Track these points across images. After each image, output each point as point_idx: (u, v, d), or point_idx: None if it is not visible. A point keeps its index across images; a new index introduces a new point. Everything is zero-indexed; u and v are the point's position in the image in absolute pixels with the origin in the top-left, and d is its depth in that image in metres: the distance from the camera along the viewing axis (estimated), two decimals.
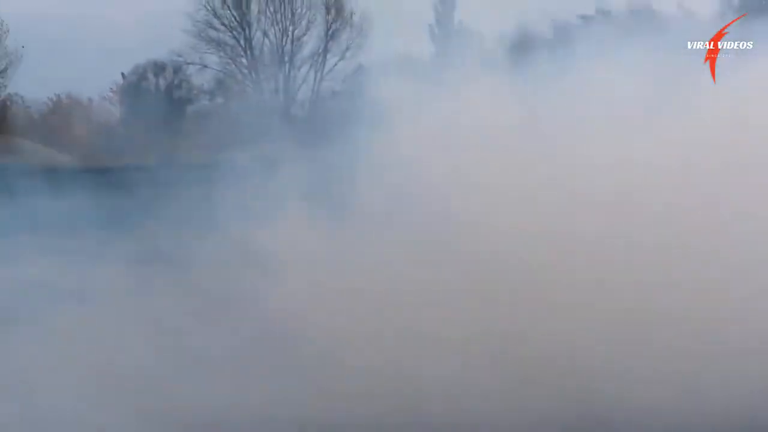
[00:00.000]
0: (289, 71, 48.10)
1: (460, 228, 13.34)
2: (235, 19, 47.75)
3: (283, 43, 48.11)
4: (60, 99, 53.88)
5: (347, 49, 48.10)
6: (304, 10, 48.32)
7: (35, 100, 52.84)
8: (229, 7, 47.61)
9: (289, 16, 48.14)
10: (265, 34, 48.17)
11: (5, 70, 46.06)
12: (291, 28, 48.18)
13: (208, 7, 47.40)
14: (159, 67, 49.52)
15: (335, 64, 48.27)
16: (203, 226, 19.43)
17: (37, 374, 11.97)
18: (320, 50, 48.47)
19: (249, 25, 47.87)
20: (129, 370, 12.07)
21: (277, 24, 48.11)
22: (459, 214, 13.60)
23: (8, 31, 45.60)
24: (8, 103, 49.07)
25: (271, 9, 48.08)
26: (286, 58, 48.14)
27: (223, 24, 47.70)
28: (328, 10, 48.45)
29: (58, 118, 53.16)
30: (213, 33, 47.72)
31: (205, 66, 47.99)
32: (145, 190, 22.49)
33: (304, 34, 48.36)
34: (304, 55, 48.43)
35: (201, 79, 48.25)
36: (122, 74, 51.57)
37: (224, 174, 19.23)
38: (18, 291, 17.42)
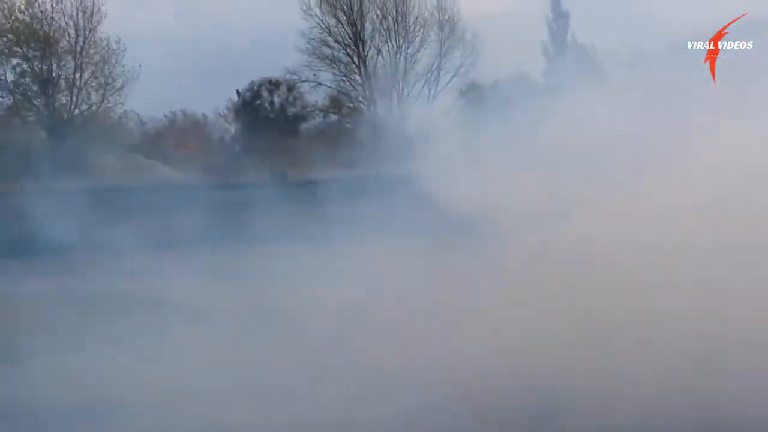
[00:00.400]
0: (403, 88, 48.16)
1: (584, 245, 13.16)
2: (349, 36, 47.89)
3: (397, 60, 48.15)
4: (175, 116, 54.57)
5: (460, 66, 48.00)
6: (417, 28, 48.35)
7: (151, 117, 53.58)
8: (343, 24, 47.75)
9: (403, 33, 48.15)
10: (378, 51, 48.27)
11: (122, 87, 46.69)
12: (405, 46, 48.21)
13: (323, 25, 47.62)
14: (273, 85, 49.86)
15: (449, 81, 48.23)
16: (317, 243, 19.39)
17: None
18: (434, 67, 48.44)
19: (363, 42, 47.97)
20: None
21: (391, 41, 48.16)
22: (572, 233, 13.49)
23: (125, 49, 46.23)
24: (125, 119, 49.77)
25: (385, 26, 48.13)
26: (400, 75, 48.17)
27: (337, 41, 47.89)
28: (441, 28, 48.37)
29: (174, 135, 53.80)
30: (327, 50, 47.96)
31: (319, 83, 48.27)
32: (260, 208, 22.54)
33: (418, 51, 48.39)
34: (417, 72, 48.47)
35: (315, 96, 48.54)
36: (237, 91, 52.09)
37: (337, 191, 19.18)
38: (143, 308, 17.55)
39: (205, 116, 54.13)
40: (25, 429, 10.87)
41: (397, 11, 48.16)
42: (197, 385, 11.66)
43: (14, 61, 46.32)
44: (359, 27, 47.97)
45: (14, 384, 12.61)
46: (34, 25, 45.69)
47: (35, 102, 46.97)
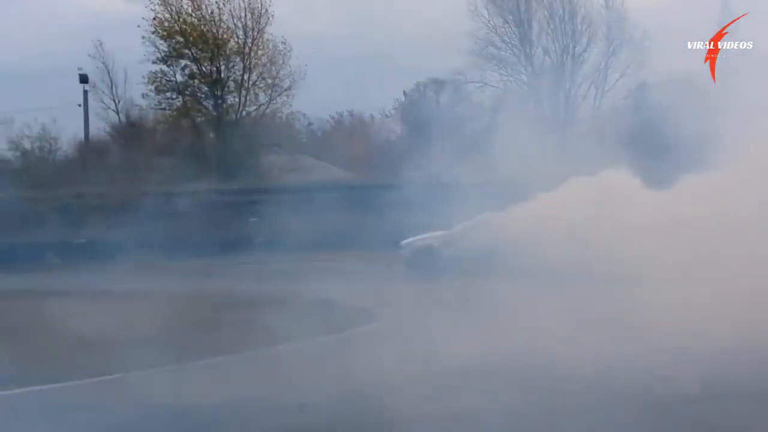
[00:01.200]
0: (569, 88, 47.50)
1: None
2: (516, 36, 47.48)
3: (564, 60, 47.54)
4: (342, 117, 54.99)
5: (628, 66, 47.09)
6: (584, 27, 47.68)
7: (318, 118, 54.10)
8: (510, 24, 47.38)
9: (570, 32, 47.52)
10: (545, 51, 47.76)
11: (289, 88, 47.05)
12: (571, 45, 47.55)
13: (489, 25, 47.32)
14: (439, 85, 49.72)
15: (616, 81, 47.38)
16: None
17: None
18: (601, 67, 47.67)
19: (530, 43, 47.51)
20: None
21: (558, 41, 47.58)
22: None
23: (291, 50, 46.58)
24: (292, 120, 50.20)
25: (552, 26, 47.61)
26: (566, 75, 47.54)
27: (503, 41, 47.54)
28: (609, 27, 47.59)
29: (340, 135, 54.19)
30: (493, 50, 47.66)
31: (485, 83, 47.88)
32: (428, 208, 22.36)
33: (585, 51, 47.73)
34: (584, 72, 47.80)
35: (481, 96, 48.14)
36: (404, 92, 52.20)
37: (504, 192, 18.87)
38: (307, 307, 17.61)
39: (372, 117, 54.49)
40: None
41: (564, 10, 47.63)
42: None
43: (183, 62, 47.24)
44: (526, 27, 47.55)
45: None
46: (203, 27, 46.40)
47: (204, 103, 47.74)
